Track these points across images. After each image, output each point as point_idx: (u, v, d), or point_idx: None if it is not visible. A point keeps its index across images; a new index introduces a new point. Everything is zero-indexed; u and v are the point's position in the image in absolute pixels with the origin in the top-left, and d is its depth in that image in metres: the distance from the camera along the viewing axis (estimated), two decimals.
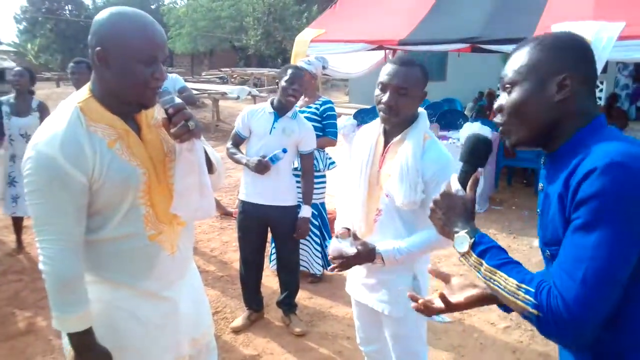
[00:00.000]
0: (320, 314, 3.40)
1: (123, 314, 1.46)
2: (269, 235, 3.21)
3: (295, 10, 24.83)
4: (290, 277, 3.22)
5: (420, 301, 1.31)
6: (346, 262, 1.82)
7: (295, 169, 3.14)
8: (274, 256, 3.69)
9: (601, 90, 11.00)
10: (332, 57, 5.72)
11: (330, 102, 3.73)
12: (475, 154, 1.22)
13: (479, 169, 1.20)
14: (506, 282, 1.00)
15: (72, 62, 3.80)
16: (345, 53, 5.88)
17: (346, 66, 7.10)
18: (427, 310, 1.29)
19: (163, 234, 1.46)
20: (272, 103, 2.97)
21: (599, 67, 3.96)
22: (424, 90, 1.80)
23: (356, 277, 2.00)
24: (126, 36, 1.29)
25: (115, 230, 1.39)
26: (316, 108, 3.63)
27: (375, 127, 1.91)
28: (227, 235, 4.90)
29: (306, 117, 3.21)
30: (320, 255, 3.77)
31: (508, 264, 1.02)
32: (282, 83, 2.91)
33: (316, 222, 3.74)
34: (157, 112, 1.49)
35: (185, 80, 5.77)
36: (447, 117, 7.40)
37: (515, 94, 1.07)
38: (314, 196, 3.22)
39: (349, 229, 1.91)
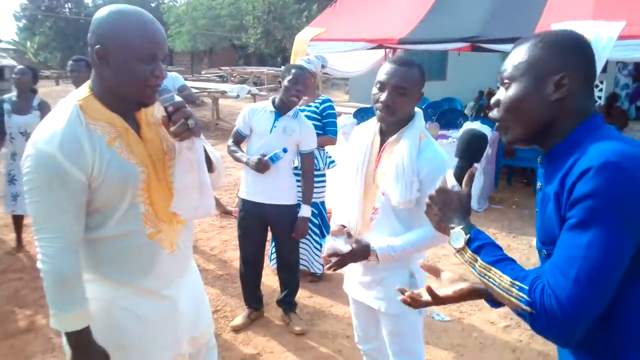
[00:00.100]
0: (320, 313, 3.40)
1: (122, 313, 1.45)
2: (269, 233, 3.21)
3: (295, 9, 24.81)
4: (290, 275, 3.22)
5: (407, 294, 1.31)
6: (341, 260, 1.82)
7: (296, 167, 3.14)
8: (274, 255, 3.69)
9: (601, 90, 10.99)
10: (332, 56, 5.72)
11: (329, 100, 3.73)
12: (471, 149, 1.22)
13: (475, 165, 1.20)
14: (500, 279, 1.00)
15: (72, 60, 3.80)
16: (345, 52, 5.87)
17: (346, 65, 7.10)
18: (415, 303, 1.30)
19: (162, 232, 1.46)
20: (273, 102, 2.97)
21: (599, 66, 3.99)
22: (421, 90, 1.81)
23: (353, 276, 2.00)
24: (126, 34, 1.29)
25: (115, 229, 1.39)
26: (316, 107, 3.63)
27: (372, 126, 1.91)
28: (226, 233, 4.90)
29: (306, 116, 3.21)
30: (320, 254, 3.78)
31: (503, 261, 1.03)
32: (285, 83, 2.90)
33: (316, 221, 3.74)
34: (156, 111, 1.49)
35: (185, 79, 5.77)
36: (447, 116, 7.40)
37: (513, 90, 1.07)
38: (314, 195, 3.22)
39: (344, 226, 1.91)
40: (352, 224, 1.91)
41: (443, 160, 1.79)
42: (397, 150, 1.78)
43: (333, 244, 1.83)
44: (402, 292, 1.34)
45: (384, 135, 1.85)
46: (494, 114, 1.13)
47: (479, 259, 1.05)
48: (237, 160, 3.01)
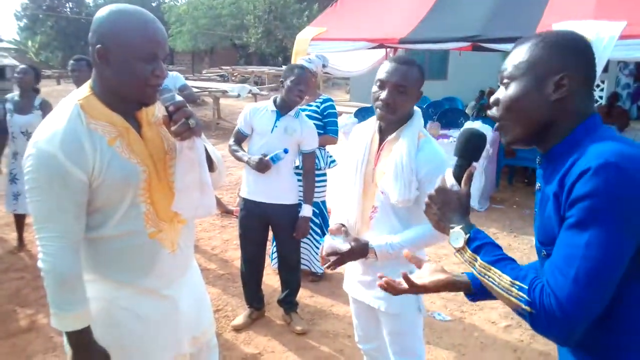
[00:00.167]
0: (321, 313, 3.41)
1: (123, 312, 1.46)
2: (270, 233, 3.21)
3: (296, 8, 24.82)
4: (291, 275, 3.22)
5: (384, 279, 1.32)
6: (340, 259, 1.83)
7: (297, 167, 3.14)
8: (275, 254, 3.69)
9: (602, 90, 10.98)
10: (333, 56, 5.72)
11: (330, 100, 3.73)
12: (469, 148, 1.22)
13: (474, 164, 1.20)
14: (500, 279, 1.00)
15: (72, 60, 3.80)
16: (346, 51, 5.86)
17: (347, 64, 7.09)
18: (392, 289, 1.31)
19: (163, 231, 1.46)
20: (274, 101, 2.97)
21: (600, 66, 3.99)
22: (420, 89, 1.82)
23: (353, 275, 2.01)
24: (126, 34, 1.29)
25: (116, 228, 1.39)
26: (317, 106, 3.63)
27: (371, 125, 1.92)
28: (228, 233, 4.90)
29: (307, 115, 3.21)
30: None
31: (502, 261, 1.03)
32: (288, 83, 2.90)
33: (317, 221, 3.74)
34: (157, 110, 1.49)
35: (186, 78, 5.76)
36: (448, 115, 7.39)
37: (512, 89, 1.07)
38: (315, 194, 3.22)
39: (343, 225, 1.91)
40: (352, 223, 1.91)
41: (442, 159, 1.79)
42: (396, 148, 1.79)
43: (332, 242, 1.83)
44: (381, 277, 1.35)
45: (383, 134, 1.86)
46: (492, 112, 1.13)
47: (478, 258, 1.05)
48: (238, 159, 3.01)
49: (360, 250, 1.80)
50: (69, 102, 1.36)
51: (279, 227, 3.09)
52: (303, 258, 3.61)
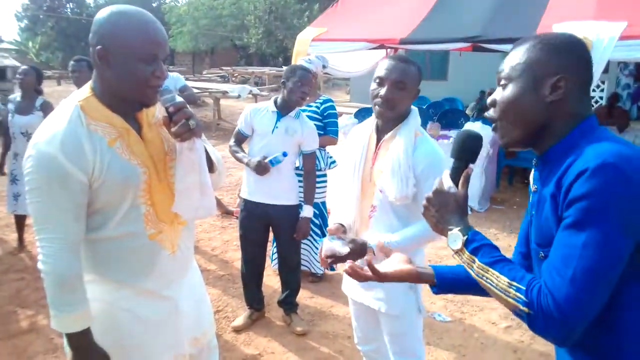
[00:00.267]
0: (321, 313, 3.40)
1: (123, 313, 1.46)
2: (271, 234, 3.21)
3: (296, 9, 24.81)
4: (292, 276, 3.22)
5: (349, 265, 1.33)
6: (339, 260, 1.82)
7: (297, 168, 3.15)
8: (275, 255, 3.69)
9: (602, 90, 11.00)
10: (334, 56, 5.72)
11: (330, 100, 3.73)
12: (465, 150, 1.22)
13: (470, 165, 1.20)
14: (498, 280, 1.01)
15: (73, 61, 3.81)
16: (347, 52, 5.86)
17: (347, 65, 7.08)
18: (357, 276, 1.31)
19: (163, 233, 1.46)
20: (275, 102, 2.97)
21: (601, 67, 3.99)
22: (418, 88, 1.83)
23: None
24: (127, 34, 1.29)
25: (116, 230, 1.39)
26: (317, 107, 3.63)
27: (368, 125, 1.94)
28: (228, 234, 4.90)
29: (307, 116, 3.21)
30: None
31: (500, 262, 1.03)
32: (290, 84, 2.90)
33: (317, 222, 3.74)
34: (157, 111, 1.49)
35: (186, 79, 5.77)
36: (448, 116, 7.39)
37: (509, 90, 1.08)
38: (315, 195, 3.22)
39: (342, 225, 1.91)
40: (351, 223, 1.92)
41: (439, 157, 1.81)
42: (392, 147, 1.80)
43: (331, 245, 1.82)
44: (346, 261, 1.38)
45: (380, 133, 1.88)
46: (489, 113, 1.14)
47: (476, 260, 1.05)
48: (239, 160, 3.02)
49: (359, 251, 1.79)
50: (70, 103, 1.36)
51: (279, 227, 3.09)
52: (303, 259, 3.60)
